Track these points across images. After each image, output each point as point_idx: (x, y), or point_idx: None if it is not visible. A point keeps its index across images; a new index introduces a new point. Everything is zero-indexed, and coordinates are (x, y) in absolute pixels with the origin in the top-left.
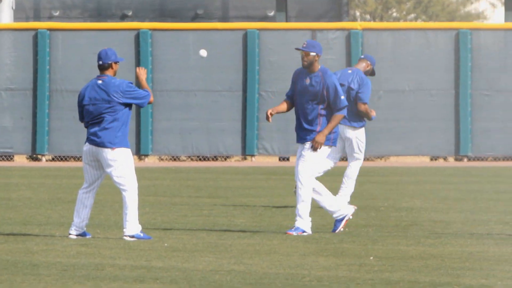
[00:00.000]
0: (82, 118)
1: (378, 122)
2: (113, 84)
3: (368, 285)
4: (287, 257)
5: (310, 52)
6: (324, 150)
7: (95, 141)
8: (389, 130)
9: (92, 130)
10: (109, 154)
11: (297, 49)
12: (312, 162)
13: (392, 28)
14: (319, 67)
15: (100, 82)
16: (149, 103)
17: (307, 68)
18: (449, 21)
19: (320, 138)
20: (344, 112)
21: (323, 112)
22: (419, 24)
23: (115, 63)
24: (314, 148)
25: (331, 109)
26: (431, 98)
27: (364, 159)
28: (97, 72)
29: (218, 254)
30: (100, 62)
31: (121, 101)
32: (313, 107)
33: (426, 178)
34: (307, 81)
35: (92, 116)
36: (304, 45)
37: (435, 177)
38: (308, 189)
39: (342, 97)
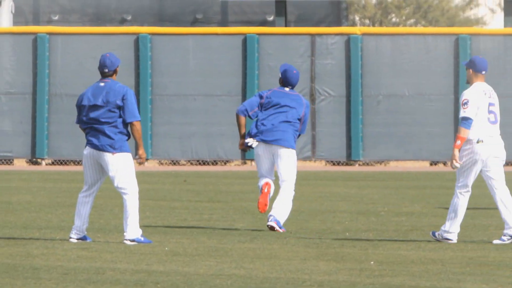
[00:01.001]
0: (79, 121)
1: (377, 127)
2: (114, 87)
3: None
4: (287, 261)
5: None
6: None
7: (95, 145)
8: (389, 134)
9: (92, 133)
10: (109, 158)
11: None
12: None
13: (392, 33)
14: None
15: (102, 84)
16: (134, 128)
17: None
18: (449, 27)
19: None
20: None
21: None
22: (419, 29)
23: (117, 67)
24: None
25: None
26: (430, 103)
27: (364, 164)
28: (96, 76)
29: (219, 258)
30: (106, 70)
31: (119, 104)
32: None
33: (426, 183)
34: None
35: (91, 118)
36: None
37: (435, 182)
38: None
39: None
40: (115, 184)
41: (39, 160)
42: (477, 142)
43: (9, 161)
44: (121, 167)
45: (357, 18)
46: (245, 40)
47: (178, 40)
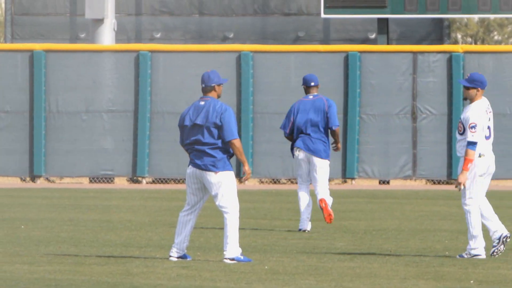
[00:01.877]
0: (182, 140)
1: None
2: (214, 106)
3: None
4: (387, 280)
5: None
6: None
7: (198, 164)
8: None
9: (195, 153)
10: (212, 177)
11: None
12: None
13: (494, 51)
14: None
15: (202, 103)
16: (233, 146)
17: None
18: None
19: None
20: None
21: None
22: None
23: (218, 85)
24: None
25: None
26: None
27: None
28: (198, 94)
29: (319, 277)
30: (203, 85)
31: (217, 123)
32: None
33: None
34: None
35: (192, 139)
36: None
37: None
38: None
39: None
40: (217, 203)
41: (139, 178)
42: (479, 156)
43: (110, 179)
44: (224, 185)
45: (459, 36)
46: (347, 58)
47: (280, 57)
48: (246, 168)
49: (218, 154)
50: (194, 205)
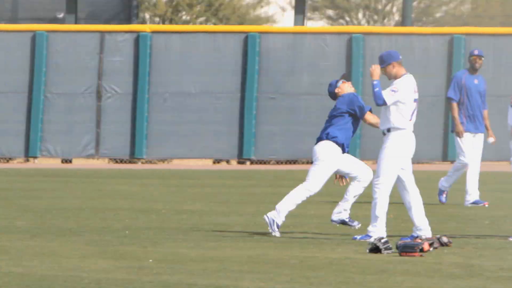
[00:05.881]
0: None
1: (163, 124)
2: None
3: None
4: (66, 259)
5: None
6: None
7: None
8: (173, 132)
9: None
10: None
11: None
12: None
13: (181, 31)
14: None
15: None
16: None
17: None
18: (239, 25)
19: None
20: None
21: None
22: (209, 27)
23: None
24: None
25: None
26: (217, 101)
27: (147, 162)
28: None
29: None
30: None
31: None
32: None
33: (208, 181)
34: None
35: None
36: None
37: (218, 180)
38: None
39: None
40: None
41: None
42: None
43: None
44: None
45: (147, 16)
46: (34, 37)
47: None
48: None
49: None
50: None
